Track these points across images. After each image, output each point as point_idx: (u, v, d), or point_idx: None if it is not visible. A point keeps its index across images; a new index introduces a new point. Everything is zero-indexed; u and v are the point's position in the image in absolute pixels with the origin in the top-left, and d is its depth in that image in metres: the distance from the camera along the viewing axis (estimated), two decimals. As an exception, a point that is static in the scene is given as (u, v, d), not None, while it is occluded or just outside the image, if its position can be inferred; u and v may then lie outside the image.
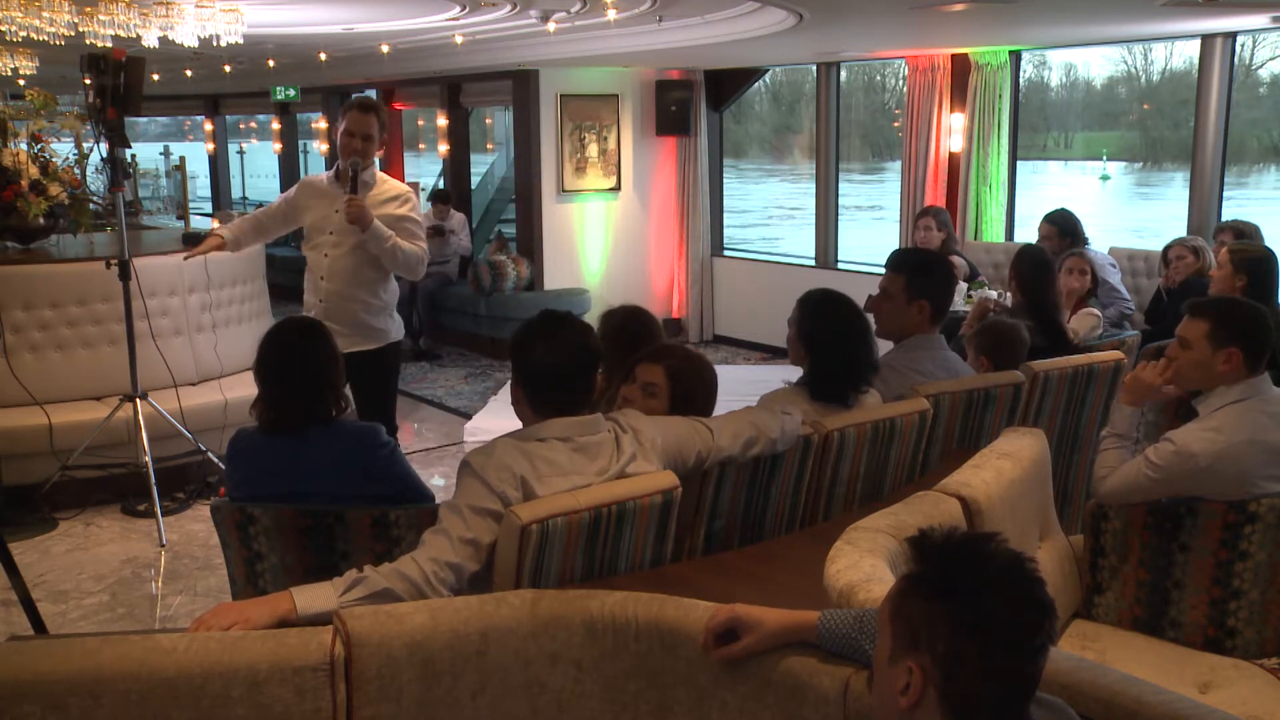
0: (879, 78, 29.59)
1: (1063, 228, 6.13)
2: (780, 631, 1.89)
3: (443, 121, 10.59)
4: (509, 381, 2.59)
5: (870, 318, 3.32)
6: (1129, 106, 35.80)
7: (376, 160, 4.48)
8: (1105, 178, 33.40)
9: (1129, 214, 23.69)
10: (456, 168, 10.84)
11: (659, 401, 2.86)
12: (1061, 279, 5.11)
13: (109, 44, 5.46)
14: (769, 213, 26.90)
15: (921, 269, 3.62)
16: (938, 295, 3.55)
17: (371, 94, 11.95)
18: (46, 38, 5.36)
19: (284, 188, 13.76)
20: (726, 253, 10.24)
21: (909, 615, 1.50)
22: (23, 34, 5.36)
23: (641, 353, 3.01)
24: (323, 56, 8.36)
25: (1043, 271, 4.69)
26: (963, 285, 6.04)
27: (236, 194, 16.71)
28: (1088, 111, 37.38)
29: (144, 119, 20.08)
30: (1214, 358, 2.87)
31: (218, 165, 14.90)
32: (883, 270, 3.72)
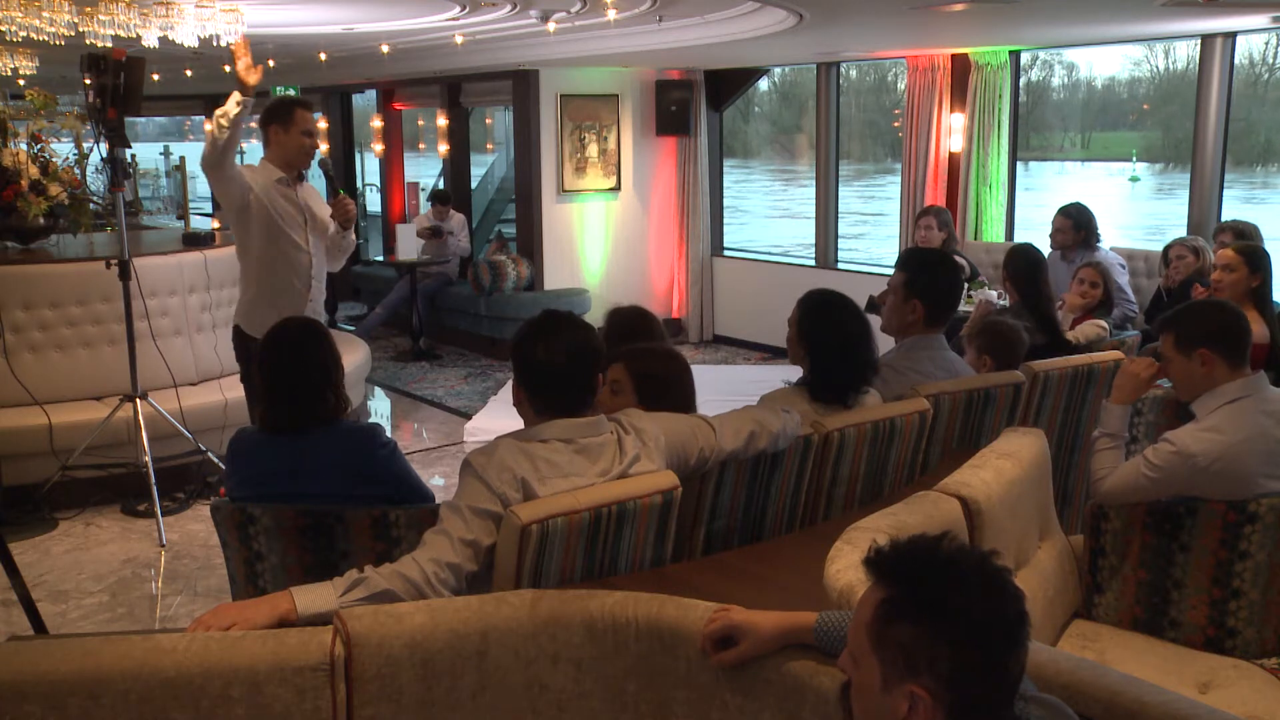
0: (892, 77, 29.49)
1: (1077, 221, 6.11)
2: (776, 635, 1.89)
3: (443, 121, 10.60)
4: (510, 381, 2.59)
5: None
6: (1152, 106, 35.50)
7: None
8: (1135, 179, 32.62)
9: (1155, 216, 23.50)
10: (456, 168, 10.85)
11: (624, 398, 2.86)
12: (1072, 287, 5.11)
13: (109, 44, 5.45)
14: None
15: (921, 269, 3.62)
16: (933, 298, 3.53)
17: (371, 94, 11.97)
18: (46, 38, 5.36)
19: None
20: (728, 253, 10.24)
21: (899, 641, 1.45)
22: (23, 34, 5.36)
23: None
24: (323, 56, 8.36)
25: (1035, 269, 4.71)
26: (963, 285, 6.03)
27: (236, 194, 16.67)
28: (1106, 112, 37.12)
29: (143, 119, 20.07)
30: (1190, 363, 2.90)
31: (218, 165, 14.86)
32: (878, 271, 3.73)
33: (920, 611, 1.44)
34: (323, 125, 12.33)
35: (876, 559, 1.50)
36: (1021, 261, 4.73)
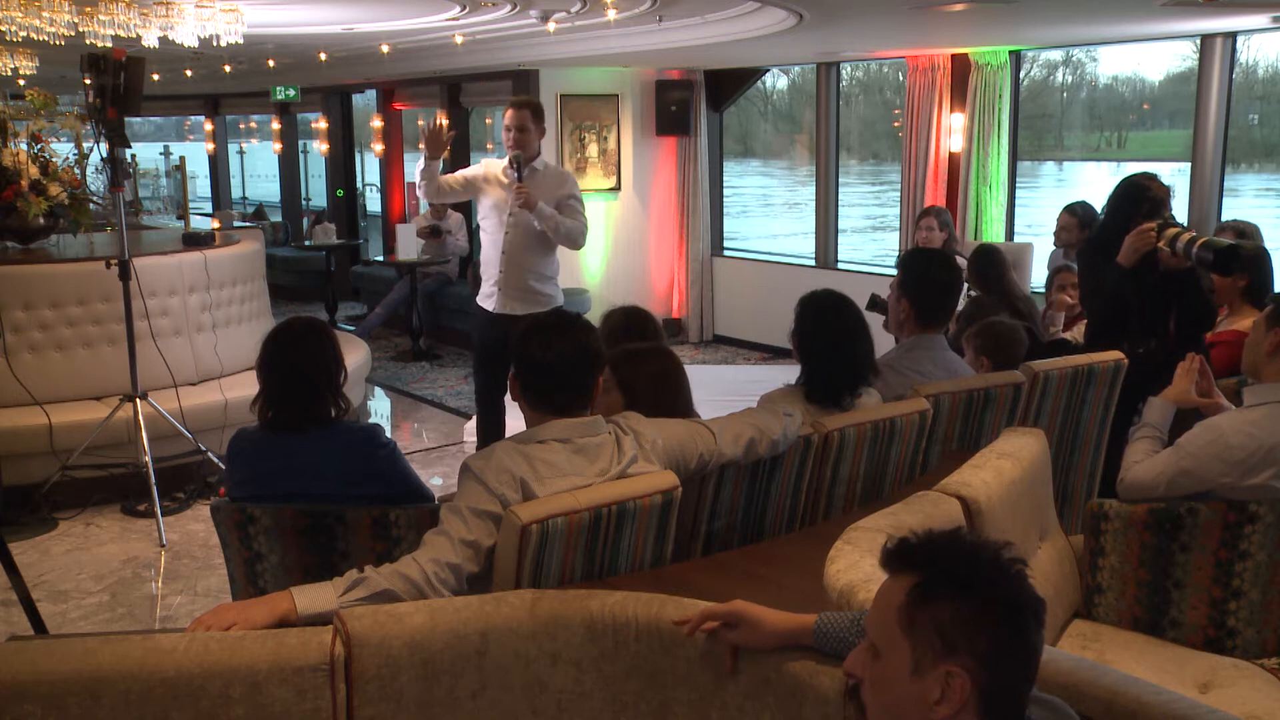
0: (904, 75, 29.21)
1: (1082, 219, 6.14)
2: (780, 633, 1.88)
3: (443, 121, 10.58)
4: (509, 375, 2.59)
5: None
6: (1189, 104, 35.00)
7: (541, 148, 5.32)
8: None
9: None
10: (457, 167, 10.79)
11: (612, 397, 2.85)
12: (1053, 294, 5.18)
13: (109, 44, 5.45)
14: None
15: (910, 268, 3.64)
16: (921, 298, 3.55)
17: (371, 94, 11.97)
18: (46, 38, 5.36)
19: (284, 188, 13.87)
20: (727, 253, 10.24)
21: (935, 622, 1.44)
22: (23, 34, 5.36)
23: None
24: (323, 56, 8.37)
25: (996, 267, 5.07)
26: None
27: (236, 194, 16.69)
28: (1149, 109, 36.73)
29: (142, 119, 20.05)
30: (1264, 336, 2.87)
31: (218, 165, 14.89)
32: (876, 271, 3.78)
33: (960, 590, 1.45)
34: (323, 125, 12.35)
35: (899, 548, 1.51)
36: (983, 263, 5.09)
